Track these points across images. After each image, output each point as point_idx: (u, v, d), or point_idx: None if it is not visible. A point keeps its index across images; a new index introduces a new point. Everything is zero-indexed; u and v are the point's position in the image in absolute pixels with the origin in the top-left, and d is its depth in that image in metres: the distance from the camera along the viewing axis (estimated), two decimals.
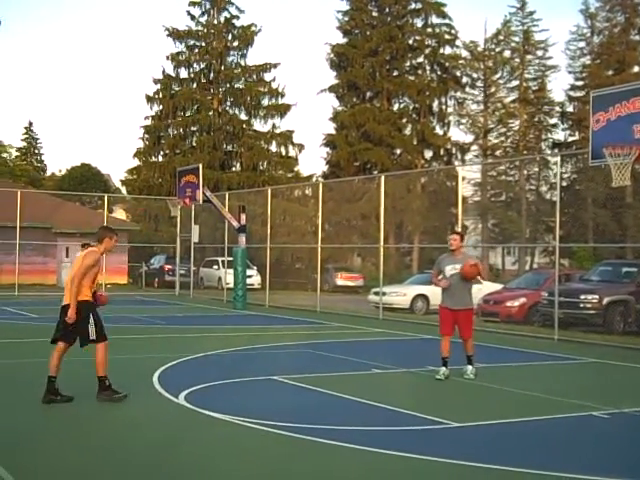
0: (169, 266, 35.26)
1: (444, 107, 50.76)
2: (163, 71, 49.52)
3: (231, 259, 26.55)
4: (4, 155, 61.70)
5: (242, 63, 49.90)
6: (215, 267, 34.89)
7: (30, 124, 70.51)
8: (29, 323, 18.50)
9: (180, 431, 7.68)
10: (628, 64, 47.27)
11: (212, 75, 49.52)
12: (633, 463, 6.89)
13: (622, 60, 47.22)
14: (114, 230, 9.49)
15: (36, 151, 70.37)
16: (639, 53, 48.29)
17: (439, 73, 51.04)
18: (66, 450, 6.95)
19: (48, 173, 68.42)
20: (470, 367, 11.08)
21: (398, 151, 49.52)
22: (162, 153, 49.40)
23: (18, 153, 67.03)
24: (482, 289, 23.59)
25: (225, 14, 49.79)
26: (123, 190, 53.64)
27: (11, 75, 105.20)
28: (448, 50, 51.00)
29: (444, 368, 10.90)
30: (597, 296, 19.11)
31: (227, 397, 9.55)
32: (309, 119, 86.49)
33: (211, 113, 48.61)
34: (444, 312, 11.19)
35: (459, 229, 16.71)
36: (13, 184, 41.70)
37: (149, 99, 49.22)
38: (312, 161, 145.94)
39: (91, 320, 8.85)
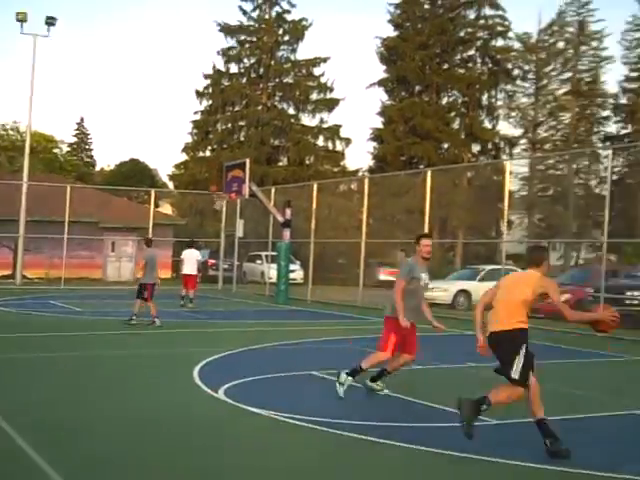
0: (212, 260, 35.46)
1: (494, 100, 50.34)
2: (213, 66, 49.92)
3: (274, 254, 26.61)
4: (55, 150, 62.74)
5: (292, 58, 50.06)
6: (258, 262, 35.02)
7: (82, 120, 71.94)
8: (71, 316, 18.75)
9: (218, 426, 7.75)
10: None
11: (262, 70, 49.73)
12: None
13: None
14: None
15: (87, 147, 71.49)
16: None
17: (490, 66, 50.49)
18: (108, 440, 6.98)
19: (97, 168, 69.45)
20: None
21: (445, 145, 49.16)
22: (210, 148, 49.84)
23: (69, 149, 68.08)
24: None
25: (277, 8, 50.04)
26: (170, 185, 54.20)
27: (64, 72, 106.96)
28: (500, 42, 50.51)
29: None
30: None
31: (266, 392, 9.59)
32: (357, 113, 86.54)
33: (260, 108, 48.83)
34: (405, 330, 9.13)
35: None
36: (63, 179, 42.34)
37: (199, 94, 49.68)
38: (359, 155, 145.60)
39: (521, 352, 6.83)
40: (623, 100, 49.08)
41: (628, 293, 18.42)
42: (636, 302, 18.74)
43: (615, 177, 43.60)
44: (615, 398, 9.67)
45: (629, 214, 38.19)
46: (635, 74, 48.34)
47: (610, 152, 25.19)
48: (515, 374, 6.64)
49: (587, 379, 11.34)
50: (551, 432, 6.81)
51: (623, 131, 48.76)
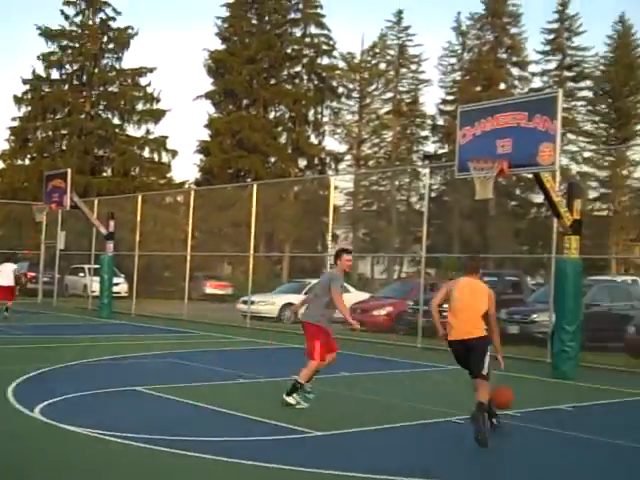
0: (32, 273, 34.02)
1: (320, 116, 51.44)
2: (33, 71, 47.89)
3: (98, 266, 25.91)
4: None
5: (117, 66, 48.86)
6: (81, 274, 33.96)
7: None
8: None
9: (32, 446, 7.39)
10: (495, 81, 49.30)
11: (85, 77, 48.25)
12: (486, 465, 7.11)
13: (490, 77, 49.20)
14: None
15: None
16: (506, 71, 50.35)
17: (316, 83, 51.61)
18: None
19: None
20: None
21: (272, 159, 49.71)
22: (29, 156, 47.73)
23: None
24: (351, 298, 24.01)
25: (101, 15, 48.66)
26: None
27: None
28: (325, 60, 51.84)
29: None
30: None
31: (86, 410, 9.27)
32: (184, 125, 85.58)
33: (83, 116, 47.36)
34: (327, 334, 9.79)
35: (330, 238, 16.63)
36: None
37: (17, 100, 47.52)
38: (186, 168, 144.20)
39: None
40: (440, 121, 51.56)
41: (445, 305, 19.12)
42: None
43: (433, 194, 45.70)
44: (428, 406, 10.07)
45: (446, 230, 40.06)
46: (451, 97, 50.91)
47: (428, 170, 26.40)
48: (485, 371, 8.05)
49: (403, 389, 11.73)
50: (494, 412, 8.43)
51: (440, 151, 51.13)
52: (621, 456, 7.88)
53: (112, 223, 24.82)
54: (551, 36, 50.99)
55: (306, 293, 25.23)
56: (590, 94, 50.65)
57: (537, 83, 50.59)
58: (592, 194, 46.95)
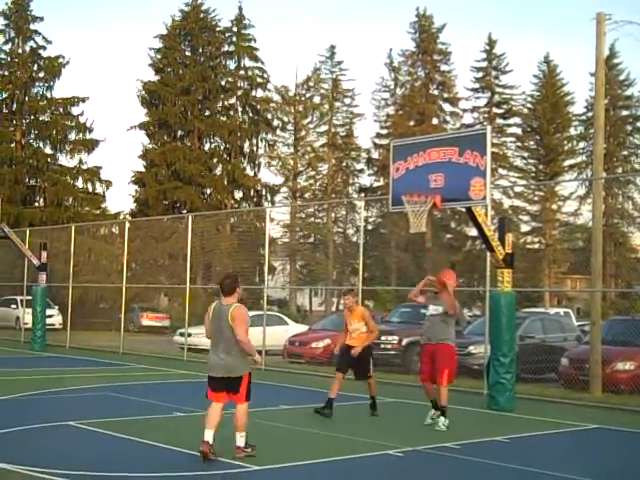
0: None
1: (255, 148, 51.53)
2: None
3: (30, 298, 25.39)
4: None
5: (48, 95, 48.23)
6: (13, 306, 33.21)
7: None
8: None
9: None
10: (428, 116, 50.18)
11: (15, 106, 47.46)
12: None
13: (422, 112, 50.08)
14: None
15: None
16: (438, 106, 51.33)
17: (251, 115, 51.77)
18: None
19: None
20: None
21: (208, 191, 49.59)
22: None
23: None
24: (289, 330, 23.95)
25: (31, 43, 48.08)
26: None
27: None
28: (260, 93, 52.12)
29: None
30: (397, 337, 19.80)
31: (16, 445, 9.02)
32: (118, 156, 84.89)
33: (13, 145, 46.55)
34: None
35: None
36: None
37: None
38: (120, 198, 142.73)
39: None
40: (375, 155, 52.14)
41: (383, 338, 19.28)
42: (389, 346, 19.70)
43: (370, 227, 46.13)
44: (369, 439, 10.09)
45: (383, 262, 40.41)
46: (384, 131, 51.60)
47: (363, 203, 26.65)
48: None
49: (344, 422, 11.72)
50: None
51: (376, 184, 51.65)
52: None
53: (44, 254, 24.34)
54: (480, 74, 52.34)
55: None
56: (519, 131, 52.08)
57: (468, 119, 51.84)
58: (524, 228, 48.08)
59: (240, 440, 8.54)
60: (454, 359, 11.21)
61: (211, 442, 8.28)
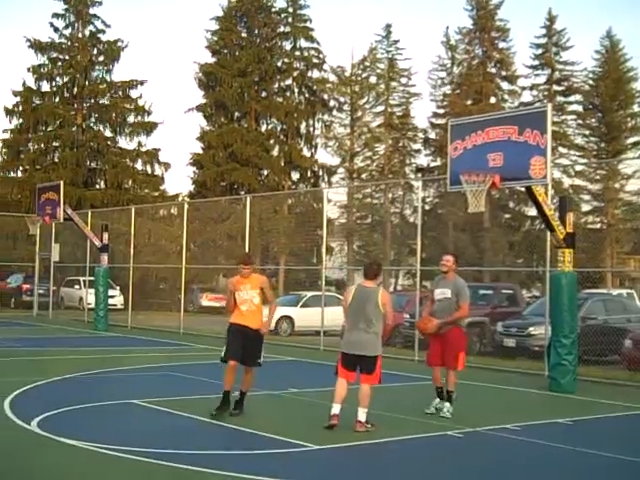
0: (27, 285, 33.95)
1: (311, 129, 51.36)
2: (24, 83, 47.82)
3: (93, 279, 25.89)
4: None
5: (107, 78, 48.78)
6: (76, 287, 33.85)
7: None
8: None
9: (29, 459, 7.37)
10: (485, 95, 49.43)
11: (76, 90, 48.13)
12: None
13: (480, 91, 49.33)
14: None
15: None
16: (495, 85, 50.58)
17: (307, 96, 51.63)
18: None
19: None
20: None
21: (265, 172, 49.70)
22: (22, 168, 47.63)
23: None
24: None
25: (90, 28, 48.64)
26: None
27: None
28: (316, 74, 51.76)
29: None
30: None
31: (84, 423, 9.25)
32: (176, 138, 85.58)
33: (74, 129, 47.27)
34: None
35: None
36: None
37: (8, 112, 47.39)
38: (178, 180, 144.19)
39: None
40: (432, 135, 51.66)
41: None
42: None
43: (427, 207, 45.79)
44: (427, 420, 10.08)
45: (441, 242, 40.09)
46: (441, 111, 51.06)
47: (420, 183, 26.47)
48: None
49: (401, 402, 11.71)
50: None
51: (433, 164, 51.21)
52: (620, 470, 7.90)
53: (106, 235, 24.77)
54: (539, 51, 51.27)
55: (302, 306, 25.38)
56: (580, 108, 50.95)
57: (527, 97, 50.84)
58: (585, 207, 47.15)
59: (362, 415, 9.05)
60: (465, 342, 10.83)
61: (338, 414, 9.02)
